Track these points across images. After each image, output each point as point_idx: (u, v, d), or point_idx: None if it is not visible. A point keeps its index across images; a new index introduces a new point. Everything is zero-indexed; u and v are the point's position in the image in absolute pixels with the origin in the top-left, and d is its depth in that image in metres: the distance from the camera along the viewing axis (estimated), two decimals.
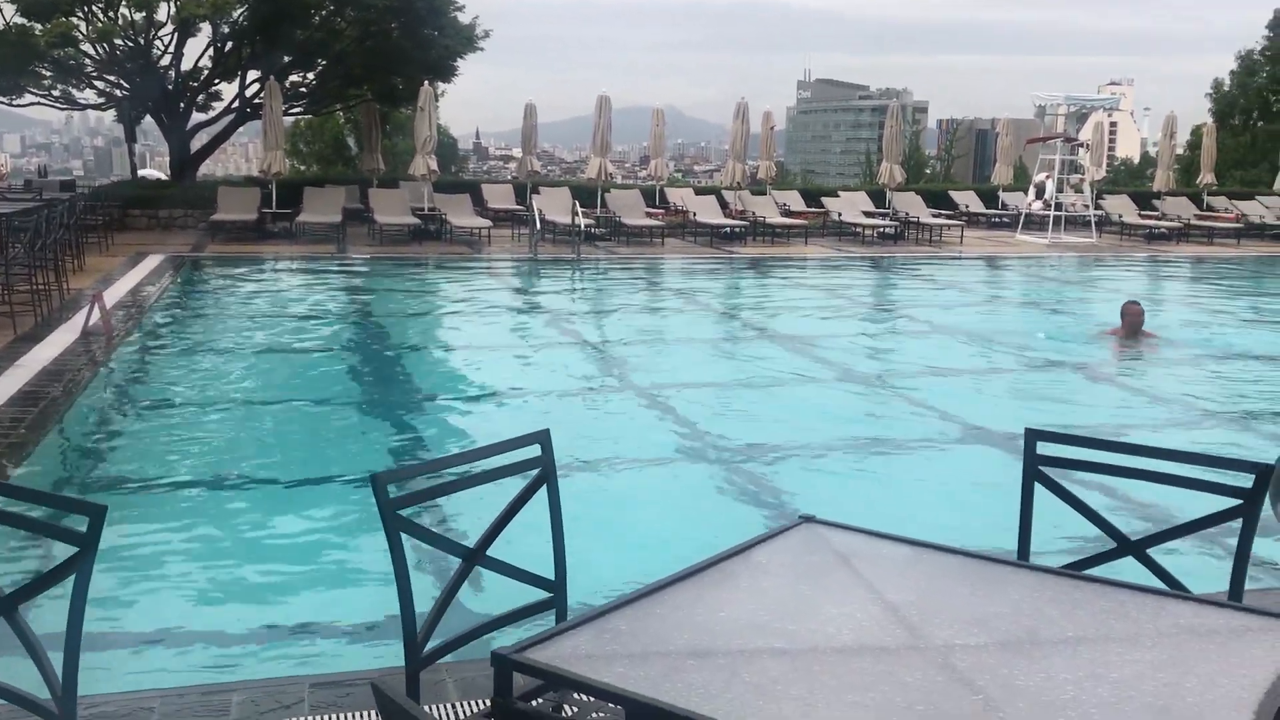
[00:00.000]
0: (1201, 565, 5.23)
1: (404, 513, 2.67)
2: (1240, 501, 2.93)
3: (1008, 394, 10.74)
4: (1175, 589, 2.97)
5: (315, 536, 6.34)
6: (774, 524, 6.51)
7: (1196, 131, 33.92)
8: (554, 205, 23.00)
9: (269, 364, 11.08)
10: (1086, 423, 9.24)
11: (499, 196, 25.56)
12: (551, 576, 3.07)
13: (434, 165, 22.54)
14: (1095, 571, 2.90)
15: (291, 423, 8.90)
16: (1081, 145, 26.32)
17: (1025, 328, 14.73)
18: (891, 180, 25.93)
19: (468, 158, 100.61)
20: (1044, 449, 3.27)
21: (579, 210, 20.59)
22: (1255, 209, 29.01)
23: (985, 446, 8.49)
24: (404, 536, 2.68)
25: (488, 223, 22.43)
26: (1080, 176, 26.21)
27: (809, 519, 2.98)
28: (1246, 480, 2.93)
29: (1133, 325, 12.69)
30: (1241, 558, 2.96)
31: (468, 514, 5.34)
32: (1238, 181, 40.35)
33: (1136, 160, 74.93)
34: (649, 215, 24.13)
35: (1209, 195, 30.16)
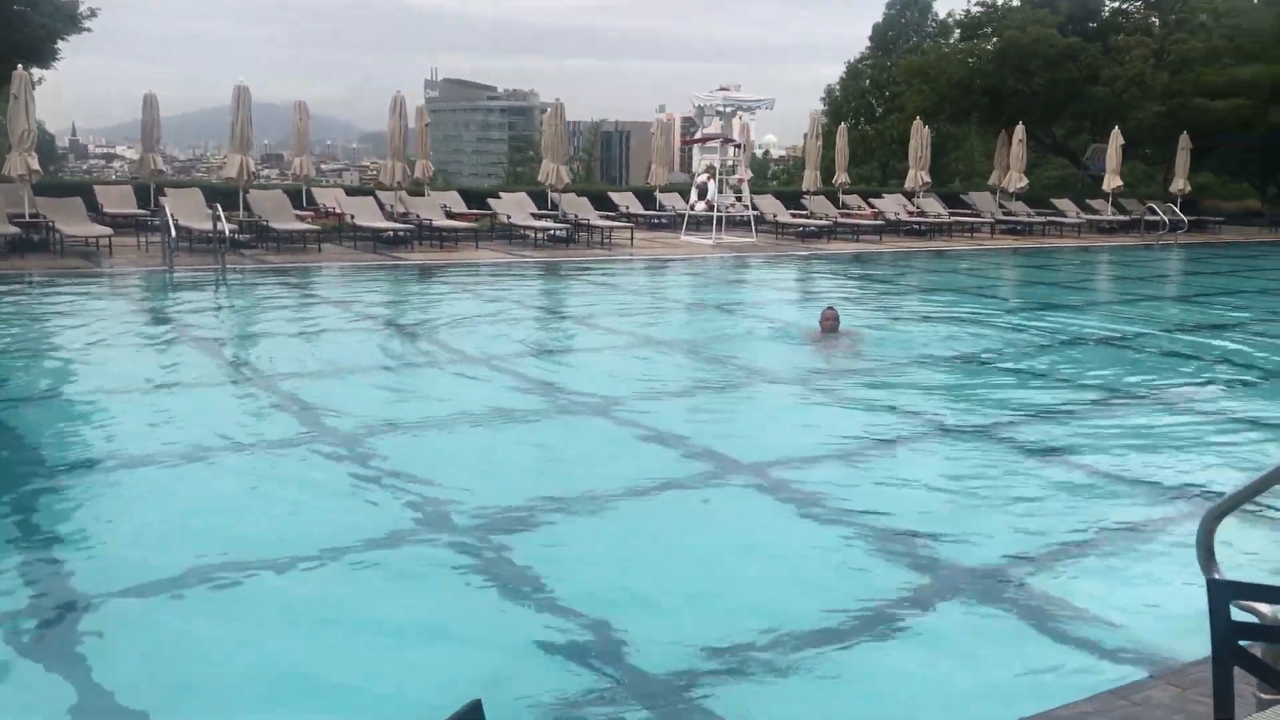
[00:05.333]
0: None
1: None
2: None
3: (736, 413, 9.87)
4: None
5: None
6: (549, 621, 5.17)
7: (829, 133, 35.65)
8: (186, 208, 20.17)
9: None
10: (823, 439, 8.48)
11: (117, 200, 22.16)
12: None
13: (35, 164, 19.00)
14: None
15: None
16: (738, 146, 26.59)
17: (730, 333, 14.15)
18: (558, 181, 24.95)
19: (65, 156, 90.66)
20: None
21: (221, 214, 17.95)
22: (890, 205, 30.74)
23: (737, 480, 7.46)
24: None
25: (108, 230, 19.25)
26: (739, 177, 26.47)
27: None
28: None
29: (830, 329, 12.95)
30: None
31: None
32: (851, 179, 43.18)
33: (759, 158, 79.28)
34: (300, 218, 21.73)
35: (843, 194, 31.63)
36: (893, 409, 9.70)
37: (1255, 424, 9.57)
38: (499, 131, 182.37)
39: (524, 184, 35.82)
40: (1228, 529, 4.00)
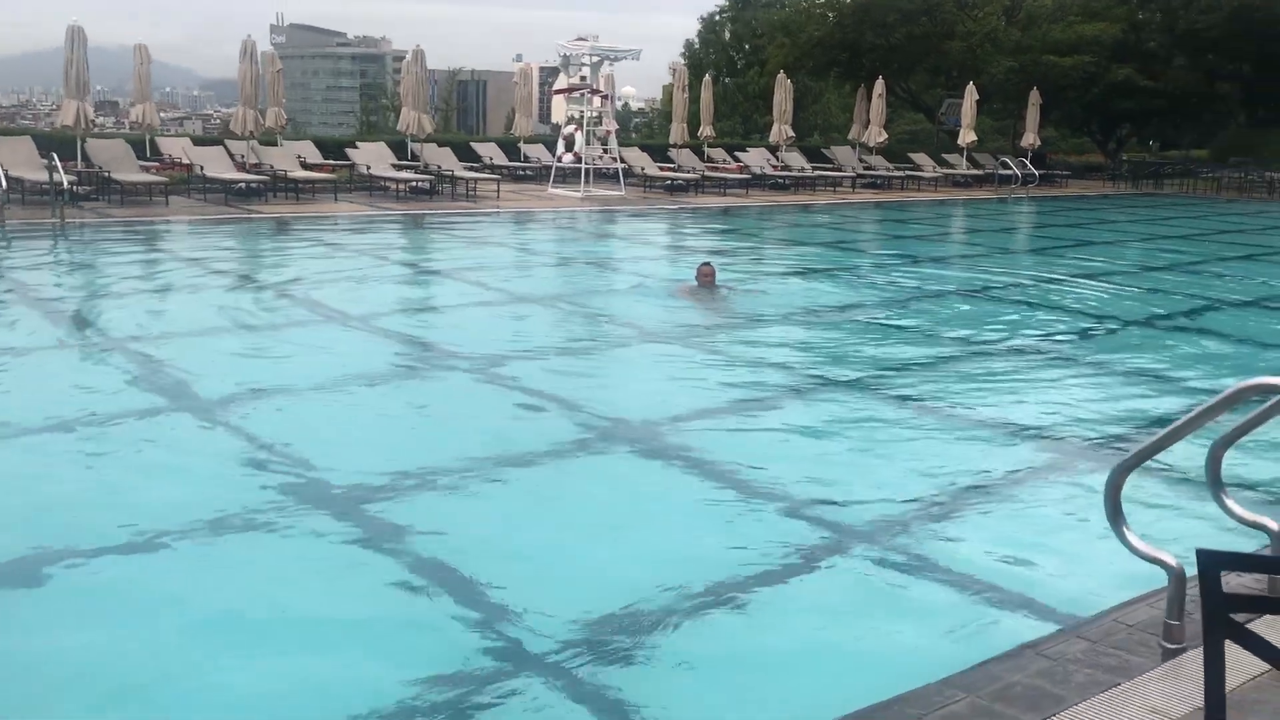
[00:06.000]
0: None
1: None
2: None
3: (612, 371, 9.65)
4: None
5: None
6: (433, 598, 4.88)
7: (692, 85, 35.47)
8: (16, 158, 18.85)
9: None
10: (704, 396, 8.33)
11: None
12: None
13: None
14: None
15: None
16: (605, 97, 26.20)
17: (605, 288, 13.92)
18: (420, 130, 24.15)
19: None
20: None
21: (58, 165, 16.76)
22: (755, 159, 30.84)
23: (614, 441, 7.25)
24: None
25: None
26: (605, 129, 26.11)
27: None
28: None
29: (707, 284, 12.83)
30: None
31: None
32: (715, 133, 43.26)
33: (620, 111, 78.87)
34: (144, 169, 20.52)
35: (708, 148, 31.59)
36: (770, 363, 9.62)
37: (1127, 371, 9.85)
38: (350, 80, 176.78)
39: (379, 133, 34.70)
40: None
